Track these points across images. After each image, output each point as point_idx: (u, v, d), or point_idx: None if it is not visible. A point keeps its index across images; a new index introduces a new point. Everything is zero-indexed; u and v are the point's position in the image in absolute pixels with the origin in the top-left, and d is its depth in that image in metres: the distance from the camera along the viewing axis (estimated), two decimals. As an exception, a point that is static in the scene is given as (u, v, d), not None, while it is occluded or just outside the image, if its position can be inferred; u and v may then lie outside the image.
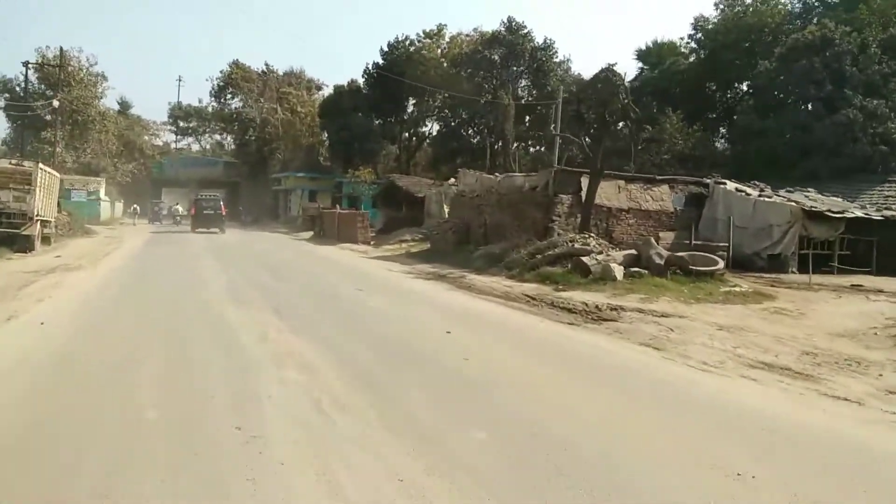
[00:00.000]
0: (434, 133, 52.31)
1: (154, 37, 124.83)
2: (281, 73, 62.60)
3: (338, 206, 45.42)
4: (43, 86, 47.07)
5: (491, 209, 19.46)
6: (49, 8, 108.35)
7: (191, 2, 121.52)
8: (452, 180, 25.84)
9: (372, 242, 26.32)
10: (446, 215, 25.06)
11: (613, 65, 17.31)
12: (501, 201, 19.10)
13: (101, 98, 48.88)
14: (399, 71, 47.82)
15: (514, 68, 43.22)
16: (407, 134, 52.12)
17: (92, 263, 15.18)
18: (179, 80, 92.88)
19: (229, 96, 63.34)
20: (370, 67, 49.90)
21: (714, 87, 38.36)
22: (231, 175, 65.10)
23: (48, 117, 48.00)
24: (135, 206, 48.10)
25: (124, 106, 68.24)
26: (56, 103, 33.96)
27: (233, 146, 70.40)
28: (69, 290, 11.14)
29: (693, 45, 40.28)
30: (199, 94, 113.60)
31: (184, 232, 34.11)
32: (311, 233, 35.26)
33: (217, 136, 73.46)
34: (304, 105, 56.96)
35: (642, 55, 43.56)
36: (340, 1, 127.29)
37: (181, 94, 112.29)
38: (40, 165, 16.10)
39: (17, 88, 46.70)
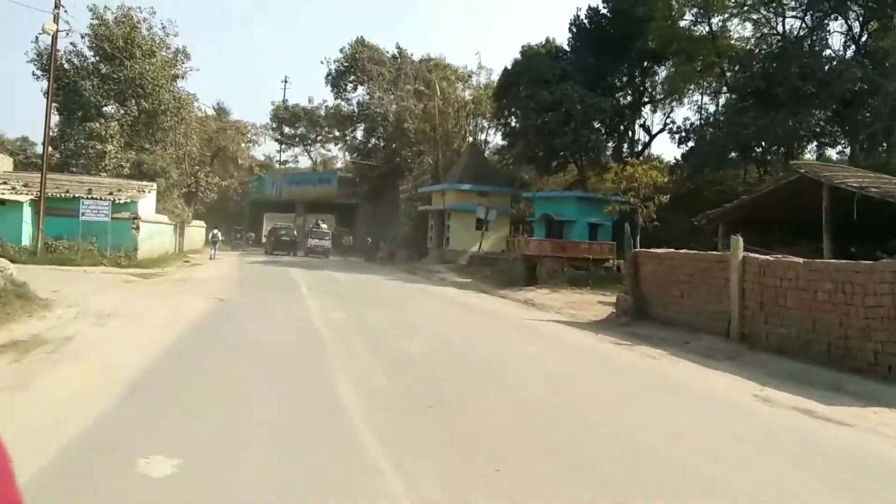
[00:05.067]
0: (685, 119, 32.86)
1: (256, 38, 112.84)
2: (416, 59, 45.15)
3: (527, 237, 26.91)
4: (98, 58, 31.72)
5: None
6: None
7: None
8: None
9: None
10: None
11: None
12: None
13: (181, 79, 33.08)
14: (635, 20, 29.09)
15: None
16: (638, 120, 32.93)
17: None
18: (285, 82, 76.73)
19: (350, 86, 46.42)
20: (582, 17, 31.37)
21: None
22: (347, 194, 48.38)
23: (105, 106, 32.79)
24: (215, 231, 31.51)
25: (221, 113, 53.46)
26: (52, 26, 17.16)
27: (348, 159, 53.66)
28: None
29: None
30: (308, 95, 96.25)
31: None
32: (552, 293, 16.49)
33: (331, 147, 57.07)
34: (468, 90, 39.25)
35: None
36: None
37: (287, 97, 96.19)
38: None
39: (67, 66, 31.44)
